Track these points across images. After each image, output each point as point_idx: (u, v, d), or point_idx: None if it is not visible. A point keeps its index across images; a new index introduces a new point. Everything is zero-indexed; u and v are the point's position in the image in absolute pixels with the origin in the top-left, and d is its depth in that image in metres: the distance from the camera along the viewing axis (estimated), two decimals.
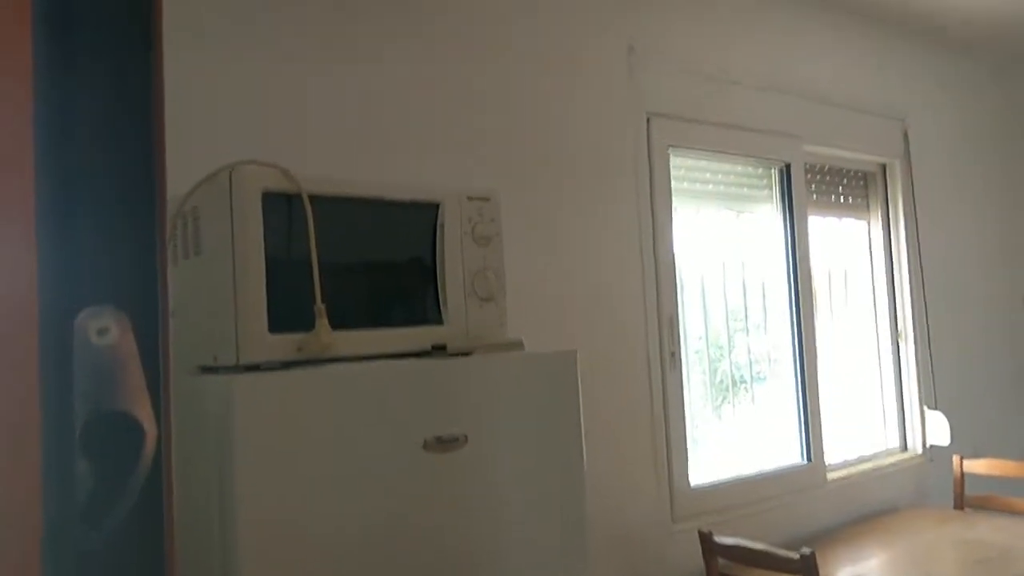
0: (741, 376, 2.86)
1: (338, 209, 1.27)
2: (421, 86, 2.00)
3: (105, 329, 0.43)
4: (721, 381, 2.81)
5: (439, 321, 1.36)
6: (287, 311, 1.20)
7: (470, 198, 1.41)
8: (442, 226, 1.37)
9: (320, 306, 1.20)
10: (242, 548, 1.00)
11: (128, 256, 0.49)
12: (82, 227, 0.50)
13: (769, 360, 2.93)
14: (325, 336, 1.19)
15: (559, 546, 1.29)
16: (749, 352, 2.89)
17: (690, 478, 2.50)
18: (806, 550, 2.00)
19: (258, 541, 1.01)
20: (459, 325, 1.37)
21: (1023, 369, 3.95)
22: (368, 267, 1.32)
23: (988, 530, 2.66)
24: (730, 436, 2.79)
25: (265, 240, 1.18)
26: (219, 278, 1.18)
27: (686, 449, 2.50)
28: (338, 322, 1.23)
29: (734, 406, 2.84)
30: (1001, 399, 3.81)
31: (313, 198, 1.22)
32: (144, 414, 0.44)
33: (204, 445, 1.08)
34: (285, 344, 1.19)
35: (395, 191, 1.34)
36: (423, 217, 1.37)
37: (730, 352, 2.84)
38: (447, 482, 1.17)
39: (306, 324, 1.21)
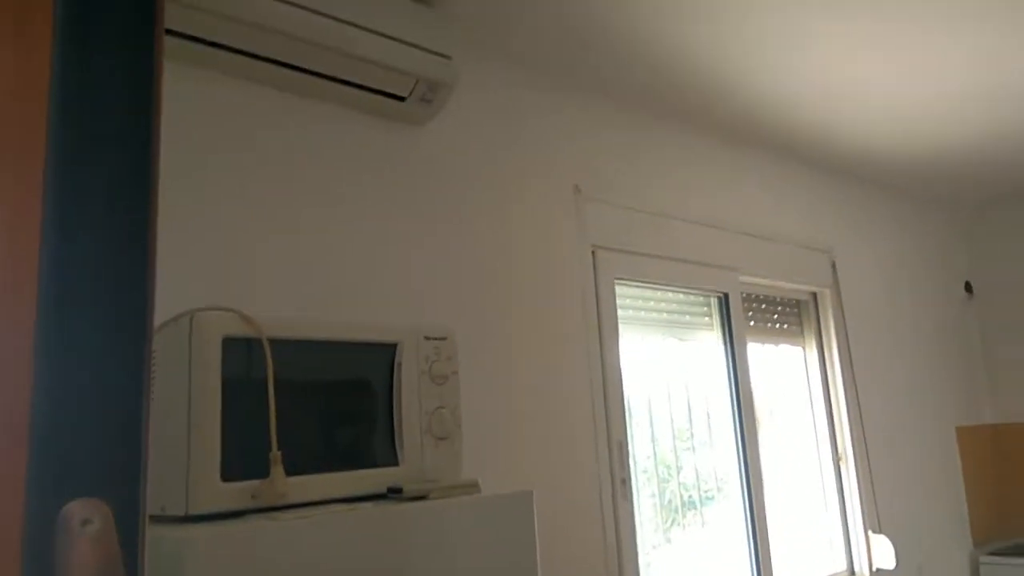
0: (690, 497, 2.87)
1: (297, 352, 1.29)
2: (378, 231, 2.07)
3: (89, 520, 0.43)
4: (670, 502, 2.81)
5: (394, 462, 1.36)
6: (241, 458, 1.19)
7: (427, 338, 1.44)
8: (399, 365, 1.39)
9: (276, 453, 1.19)
10: None
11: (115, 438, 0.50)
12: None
13: (716, 482, 2.95)
14: (280, 484, 1.18)
15: None
16: (697, 473, 2.92)
17: None
18: None
19: None
20: (415, 465, 1.37)
21: (959, 495, 4.06)
22: (325, 410, 1.32)
23: None
24: (681, 560, 2.76)
25: (223, 387, 1.18)
26: (173, 425, 1.17)
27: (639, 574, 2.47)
28: (293, 467, 1.22)
29: (683, 527, 2.83)
30: (941, 522, 3.88)
31: (273, 342, 1.24)
32: None
33: None
34: (238, 492, 1.17)
35: (355, 332, 1.36)
36: (381, 357, 1.39)
37: (678, 473, 2.86)
38: None
39: (260, 471, 1.19)
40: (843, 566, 3.36)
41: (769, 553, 2.93)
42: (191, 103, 1.78)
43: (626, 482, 2.53)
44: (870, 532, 3.38)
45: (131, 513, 0.47)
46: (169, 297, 1.33)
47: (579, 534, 2.34)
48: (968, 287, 4.52)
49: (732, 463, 3.00)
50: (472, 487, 1.34)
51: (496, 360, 2.25)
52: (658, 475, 2.78)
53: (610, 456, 2.49)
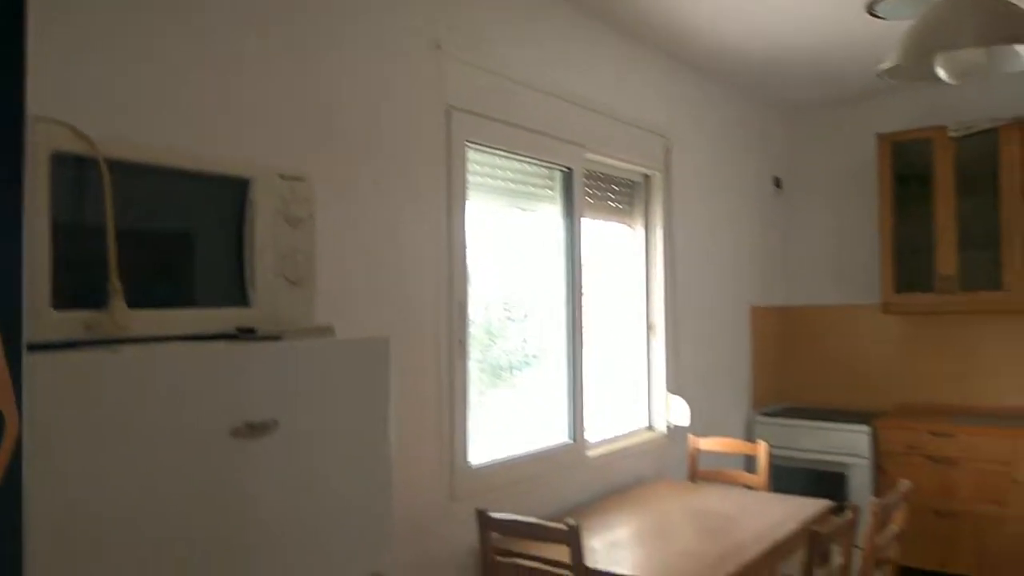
0: (513, 362, 3.04)
1: (140, 178, 1.18)
2: (244, 64, 1.90)
3: None
4: (497, 365, 2.96)
5: (245, 303, 1.31)
6: (76, 287, 1.09)
7: (283, 177, 1.37)
8: (252, 203, 1.32)
9: (116, 283, 1.11)
10: (32, 537, 0.90)
11: None
12: None
13: (540, 347, 3.14)
14: (120, 316, 1.11)
15: (365, 532, 1.31)
16: (524, 339, 3.08)
17: (470, 458, 2.62)
18: (571, 521, 2.20)
19: (48, 530, 0.92)
20: (266, 308, 1.33)
21: (745, 365, 4.61)
22: (170, 242, 1.23)
23: (717, 500, 3.09)
24: (505, 418, 2.95)
25: (52, 207, 1.06)
26: None
27: (467, 432, 2.61)
28: (134, 300, 1.14)
29: (509, 388, 3.01)
30: (728, 387, 4.41)
31: (112, 163, 1.12)
32: (7, 407, 0.40)
33: None
34: (72, 322, 1.09)
35: (204, 162, 1.27)
36: (232, 192, 1.31)
37: (505, 338, 3.00)
38: (256, 468, 1.14)
39: (97, 301, 1.11)
40: (644, 423, 3.75)
41: (583, 412, 3.20)
42: None
43: (463, 342, 2.62)
44: (669, 394, 3.78)
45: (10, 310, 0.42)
46: None
47: (418, 387, 2.42)
48: (777, 182, 4.95)
49: (560, 330, 3.19)
50: (327, 331, 1.33)
51: (348, 210, 2.20)
52: (489, 337, 2.90)
53: (451, 316, 2.56)
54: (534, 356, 3.12)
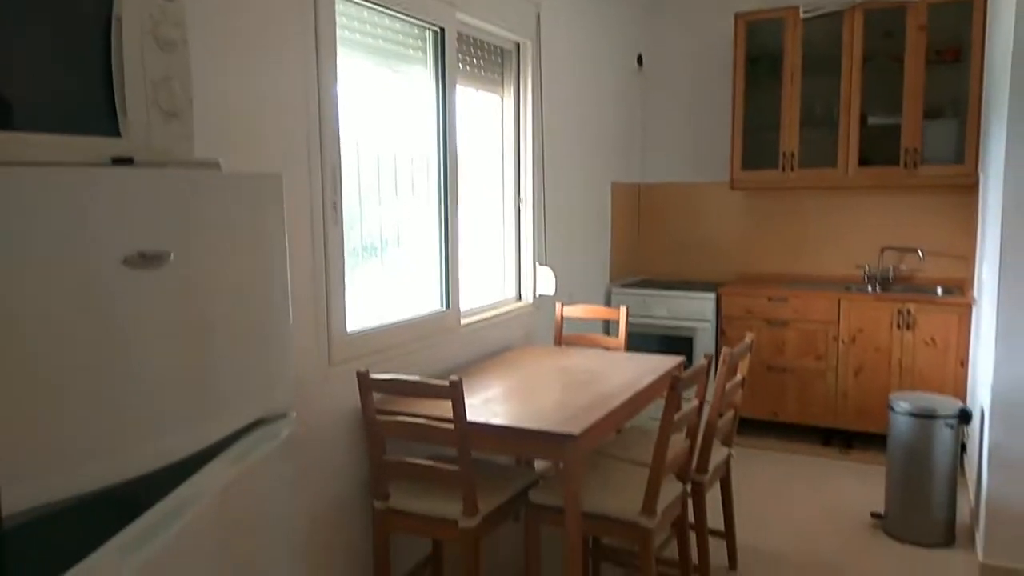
0: (386, 237, 3.00)
1: None
2: None
3: None
4: (371, 238, 2.91)
5: (116, 133, 1.19)
6: None
7: None
8: (118, 19, 1.17)
9: None
10: None
11: None
12: None
13: (414, 217, 3.11)
14: None
15: (265, 371, 1.28)
16: (398, 209, 3.03)
17: (347, 324, 2.60)
18: (454, 378, 2.26)
19: None
20: (140, 139, 1.21)
21: (606, 239, 4.80)
22: (30, 61, 1.08)
23: (582, 360, 3.27)
24: (380, 289, 2.93)
25: None
26: None
27: (344, 297, 2.58)
28: None
29: (382, 261, 2.98)
30: (590, 260, 4.60)
31: None
32: None
33: None
34: None
35: None
36: (94, 5, 1.15)
37: (380, 207, 2.94)
38: (151, 302, 1.07)
39: None
40: (514, 293, 3.86)
41: (457, 282, 3.24)
42: None
43: (337, 206, 2.54)
44: (538, 264, 3.89)
45: None
46: None
47: (293, 251, 2.33)
48: (639, 60, 5.03)
49: (433, 200, 3.16)
50: (212, 165, 1.24)
51: (214, 45, 2.01)
52: (360, 207, 2.82)
53: (323, 178, 2.46)
54: (409, 226, 3.08)
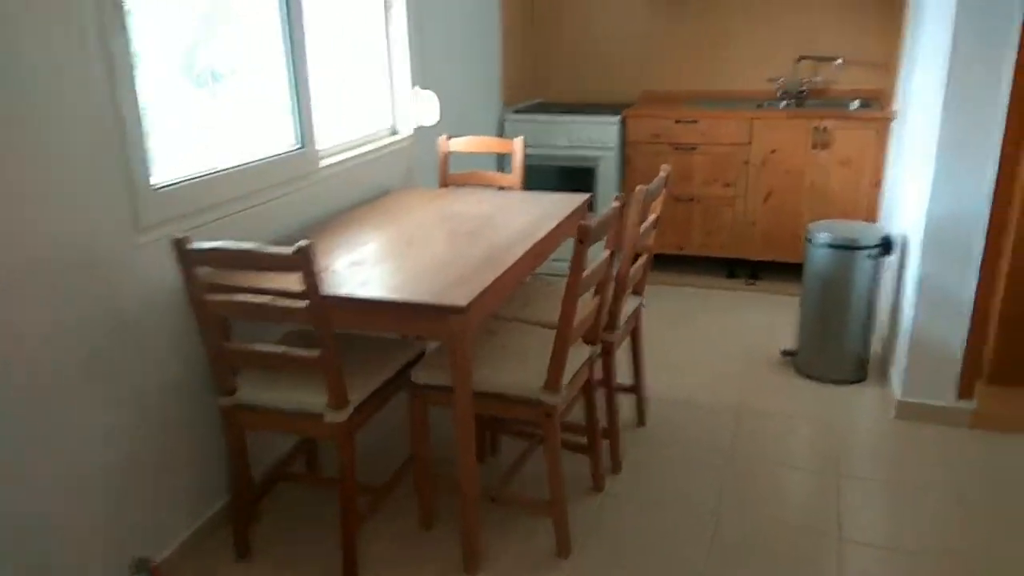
0: (221, 69, 2.29)
1: None
2: None
3: None
4: (201, 67, 2.21)
5: None
6: None
7: None
8: None
9: None
10: None
11: None
12: None
13: (255, 38, 2.39)
14: None
15: None
16: (235, 35, 2.30)
17: (152, 176, 1.96)
18: (303, 242, 1.72)
19: None
20: None
21: (496, 58, 4.12)
22: None
23: (472, 203, 2.76)
24: (211, 126, 2.27)
25: None
26: None
27: (143, 139, 1.92)
28: None
29: (215, 94, 2.29)
30: (478, 83, 3.95)
31: None
32: None
33: None
34: None
35: None
36: None
37: (211, 37, 2.21)
38: None
39: None
40: (388, 125, 3.23)
41: (311, 110, 2.59)
42: None
43: (119, 5, 1.81)
44: (417, 88, 3.25)
45: None
46: None
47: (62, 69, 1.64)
48: None
49: (275, 22, 2.44)
50: None
51: None
52: (188, 41, 2.10)
53: None
54: (249, 50, 2.37)
